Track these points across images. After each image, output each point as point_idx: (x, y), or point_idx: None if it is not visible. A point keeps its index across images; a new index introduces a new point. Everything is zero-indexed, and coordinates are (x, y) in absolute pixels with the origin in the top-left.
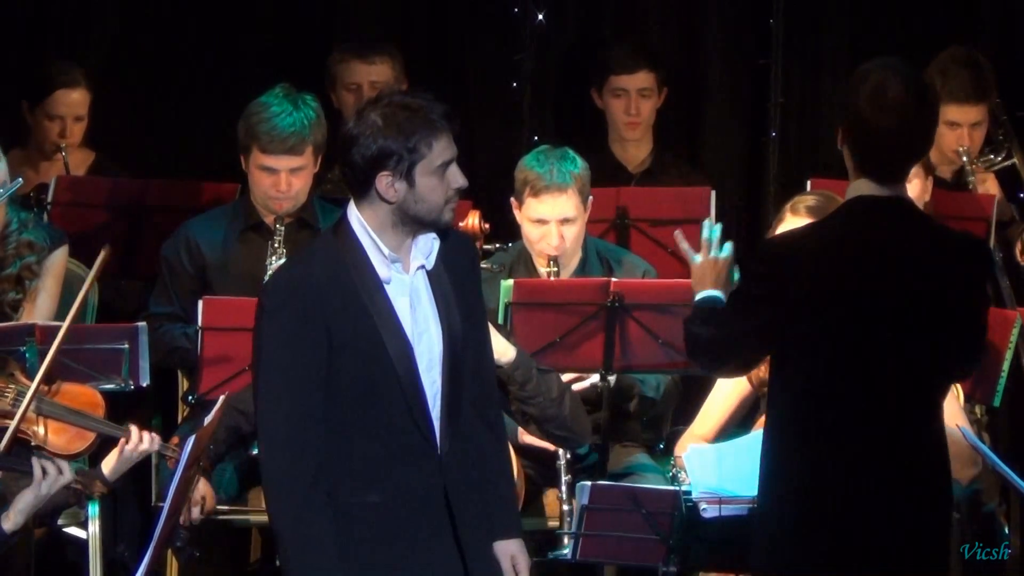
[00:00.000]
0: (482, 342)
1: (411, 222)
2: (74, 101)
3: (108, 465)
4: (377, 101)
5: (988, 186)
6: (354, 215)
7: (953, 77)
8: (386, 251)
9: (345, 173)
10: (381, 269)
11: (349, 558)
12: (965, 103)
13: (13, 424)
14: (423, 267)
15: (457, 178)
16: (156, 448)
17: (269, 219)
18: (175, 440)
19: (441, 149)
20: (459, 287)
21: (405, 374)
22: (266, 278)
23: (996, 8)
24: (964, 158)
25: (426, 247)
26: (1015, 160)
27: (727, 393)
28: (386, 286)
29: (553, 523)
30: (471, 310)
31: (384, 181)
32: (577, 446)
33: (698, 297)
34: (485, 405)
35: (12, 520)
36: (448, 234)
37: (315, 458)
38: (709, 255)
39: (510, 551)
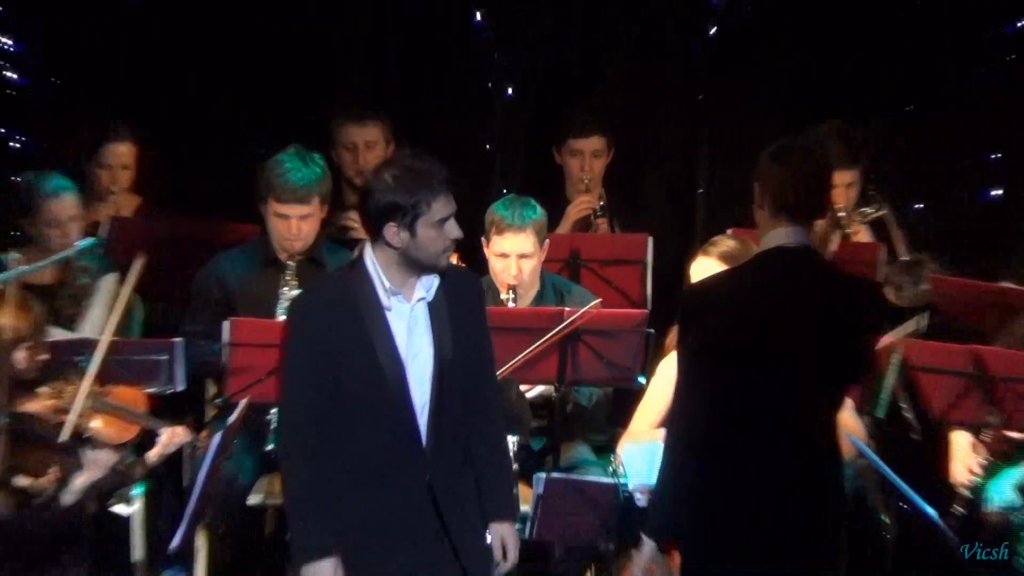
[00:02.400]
0: (483, 359)
1: (413, 265)
2: (121, 152)
3: (151, 454)
4: (391, 162)
5: (860, 236)
6: (368, 253)
7: (831, 146)
8: (388, 284)
9: (361, 219)
10: (383, 298)
11: (345, 535)
12: (840, 168)
13: (70, 417)
14: (424, 299)
15: (453, 231)
16: (189, 440)
17: (283, 256)
18: (204, 434)
19: (440, 207)
20: (460, 317)
21: (395, 386)
22: (279, 304)
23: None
24: (841, 212)
25: (428, 282)
26: (885, 214)
27: (658, 395)
28: (387, 312)
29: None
30: (473, 334)
31: (391, 230)
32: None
33: None
34: (485, 409)
35: (68, 498)
36: (455, 272)
37: (317, 437)
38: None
39: (501, 532)
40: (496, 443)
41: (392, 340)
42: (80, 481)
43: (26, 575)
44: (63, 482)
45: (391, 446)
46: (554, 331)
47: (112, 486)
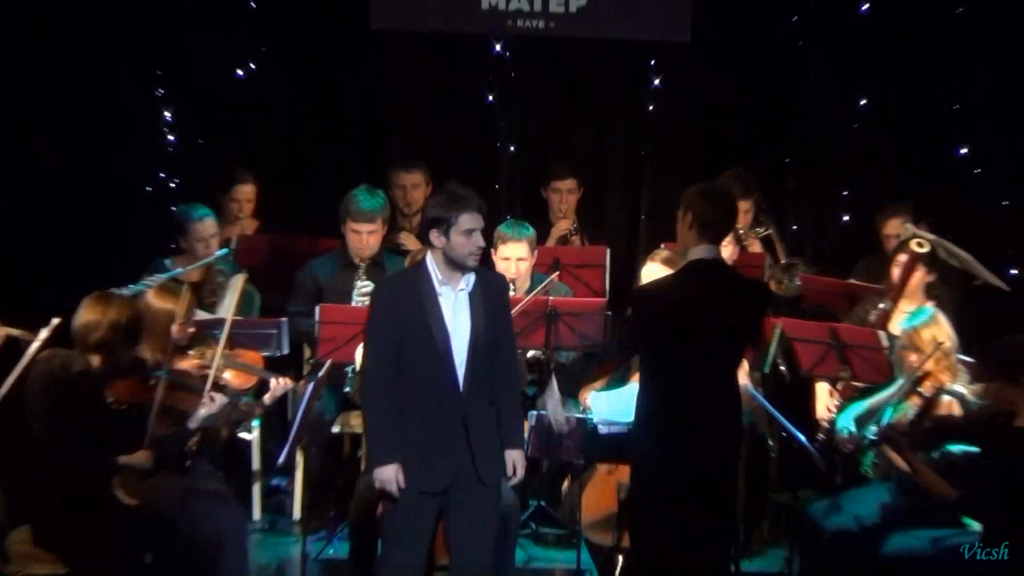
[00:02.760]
0: (507, 334)
1: (451, 263)
2: (245, 191)
3: (265, 397)
4: (442, 189)
5: (754, 247)
6: (428, 257)
7: (733, 184)
8: (439, 278)
9: (421, 228)
10: (437, 287)
11: (404, 450)
12: (739, 199)
13: (211, 372)
14: (464, 290)
15: (478, 240)
16: (291, 387)
17: (357, 261)
18: (302, 383)
19: (467, 220)
20: (491, 305)
21: (442, 348)
22: (354, 294)
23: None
24: (740, 231)
25: (467, 279)
26: (770, 232)
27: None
28: (439, 297)
29: None
30: (499, 317)
31: (434, 235)
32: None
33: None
34: (506, 369)
35: (193, 425)
36: (488, 273)
37: (388, 383)
38: None
39: (512, 456)
40: (513, 391)
41: (442, 317)
42: (201, 413)
43: (178, 474)
44: (193, 413)
45: (438, 390)
46: (527, 298)
47: (238, 419)
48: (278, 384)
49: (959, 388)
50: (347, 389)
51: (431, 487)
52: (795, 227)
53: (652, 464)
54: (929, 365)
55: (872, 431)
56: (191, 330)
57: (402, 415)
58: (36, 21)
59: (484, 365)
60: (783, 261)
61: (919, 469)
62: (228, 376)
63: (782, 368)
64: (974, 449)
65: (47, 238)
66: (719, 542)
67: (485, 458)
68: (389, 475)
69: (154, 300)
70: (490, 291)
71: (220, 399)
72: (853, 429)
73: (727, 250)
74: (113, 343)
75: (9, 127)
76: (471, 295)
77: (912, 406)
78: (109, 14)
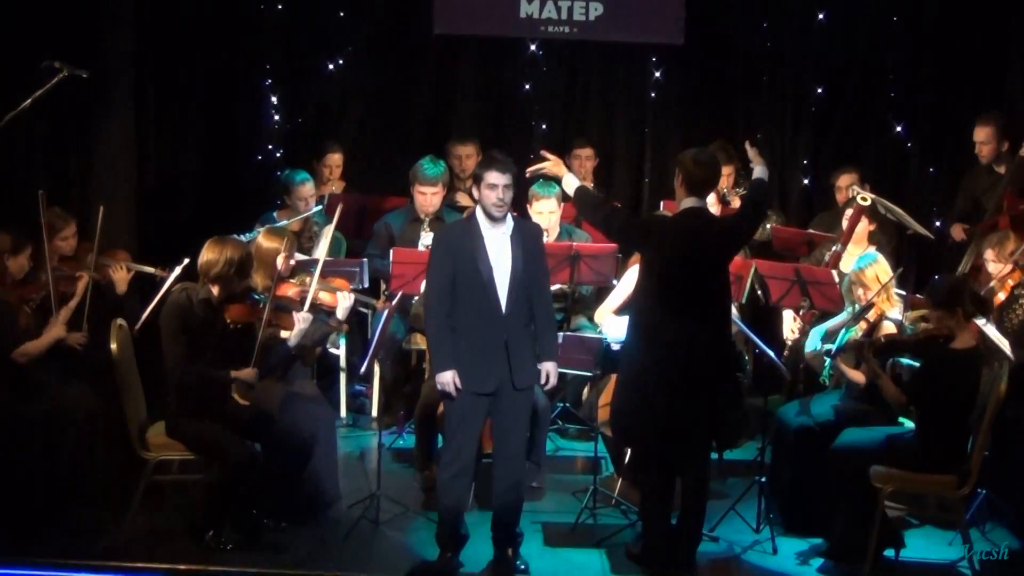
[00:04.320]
0: (542, 271)
1: (485, 211)
2: (334, 159)
3: (338, 312)
4: (485, 154)
5: (735, 203)
6: (477, 207)
7: (719, 152)
8: (484, 224)
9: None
10: (482, 232)
11: (458, 360)
12: (724, 165)
13: (308, 295)
14: (505, 234)
15: (499, 193)
16: (352, 300)
17: (422, 216)
18: (380, 304)
19: (491, 176)
20: (528, 247)
21: (487, 279)
22: (419, 242)
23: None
24: (724, 190)
25: (508, 226)
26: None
27: (619, 291)
28: (484, 240)
29: None
30: (536, 257)
31: (475, 189)
32: None
33: (577, 185)
34: (542, 298)
35: (291, 341)
36: (526, 223)
37: (445, 308)
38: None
39: (547, 367)
40: (548, 315)
41: (487, 254)
42: (296, 330)
43: (281, 381)
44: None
45: (485, 313)
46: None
47: (325, 333)
48: (344, 299)
49: (897, 315)
50: (414, 311)
51: (480, 388)
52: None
53: (641, 370)
54: (873, 297)
55: (829, 347)
56: (292, 262)
57: (455, 332)
58: (181, 24)
59: (523, 294)
60: None
61: (880, 375)
62: (323, 296)
63: (760, 294)
64: (917, 364)
65: (183, 197)
66: (702, 441)
67: (520, 368)
68: (447, 379)
69: (264, 240)
70: (527, 236)
71: (308, 317)
72: (819, 347)
73: (714, 207)
74: (228, 276)
75: (157, 113)
76: (511, 238)
77: (860, 330)
78: (230, 20)
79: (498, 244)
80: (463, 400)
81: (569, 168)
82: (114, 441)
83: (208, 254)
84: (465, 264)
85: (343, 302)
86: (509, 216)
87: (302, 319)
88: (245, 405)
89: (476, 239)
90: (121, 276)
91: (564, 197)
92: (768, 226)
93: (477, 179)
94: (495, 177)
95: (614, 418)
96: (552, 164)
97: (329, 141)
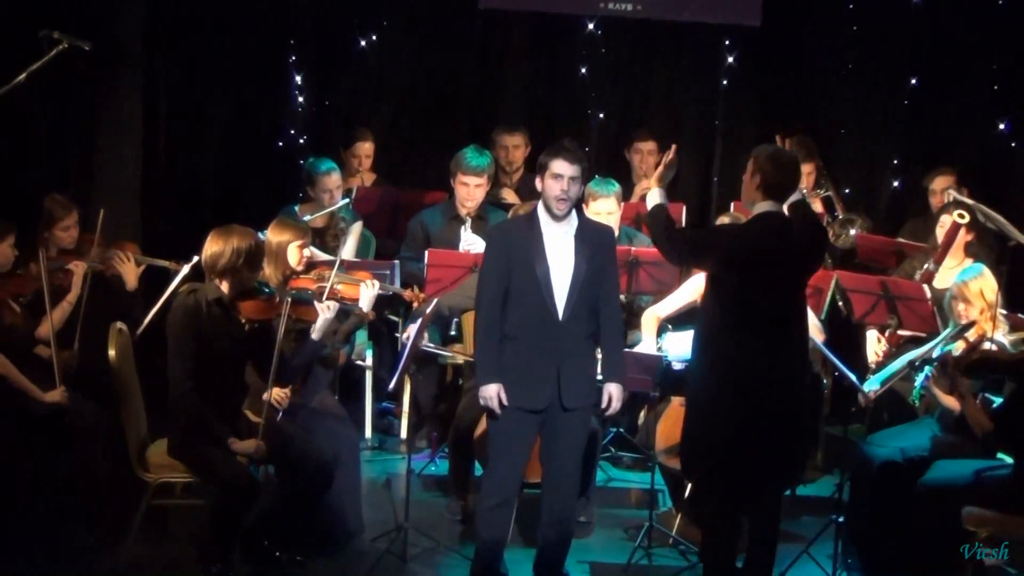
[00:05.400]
0: (612, 279)
1: (546, 205)
2: (365, 148)
3: (362, 303)
4: (554, 143)
5: (816, 206)
6: (539, 203)
7: (796, 149)
8: (545, 219)
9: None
10: (542, 229)
11: (502, 366)
12: (804, 162)
13: (328, 286)
14: (569, 232)
15: (563, 185)
16: (378, 288)
17: (463, 212)
18: (422, 296)
19: (557, 165)
20: (595, 250)
21: (543, 281)
22: (460, 242)
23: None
24: (804, 191)
25: (572, 223)
26: (830, 193)
27: (682, 298)
28: (544, 237)
29: None
30: (605, 263)
31: (538, 180)
32: None
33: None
34: (610, 310)
35: (316, 334)
36: (596, 223)
37: (496, 313)
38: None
39: (610, 389)
40: (616, 329)
41: (544, 253)
42: (321, 321)
43: (300, 395)
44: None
45: (539, 318)
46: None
47: (351, 328)
48: (369, 287)
49: (1001, 338)
50: (452, 333)
51: (529, 405)
52: (847, 191)
53: (712, 393)
54: (975, 315)
55: (927, 370)
56: (307, 255)
57: (506, 339)
58: None
59: (585, 302)
60: (841, 216)
61: (965, 395)
62: (343, 288)
63: (842, 308)
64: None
65: (195, 188)
66: (776, 475)
67: (572, 385)
68: (492, 392)
69: (273, 233)
70: (595, 237)
71: (333, 305)
72: (877, 388)
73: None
74: (237, 268)
75: (168, 93)
76: (576, 237)
77: (957, 351)
78: None
79: (559, 243)
80: (509, 418)
81: (628, 163)
82: (116, 456)
83: (212, 246)
84: (521, 263)
85: (367, 291)
86: (574, 213)
87: (327, 307)
88: (257, 423)
89: (535, 236)
90: (130, 269)
91: (623, 196)
92: (852, 232)
93: (542, 168)
94: (561, 166)
95: (684, 446)
96: (666, 166)
97: (359, 128)
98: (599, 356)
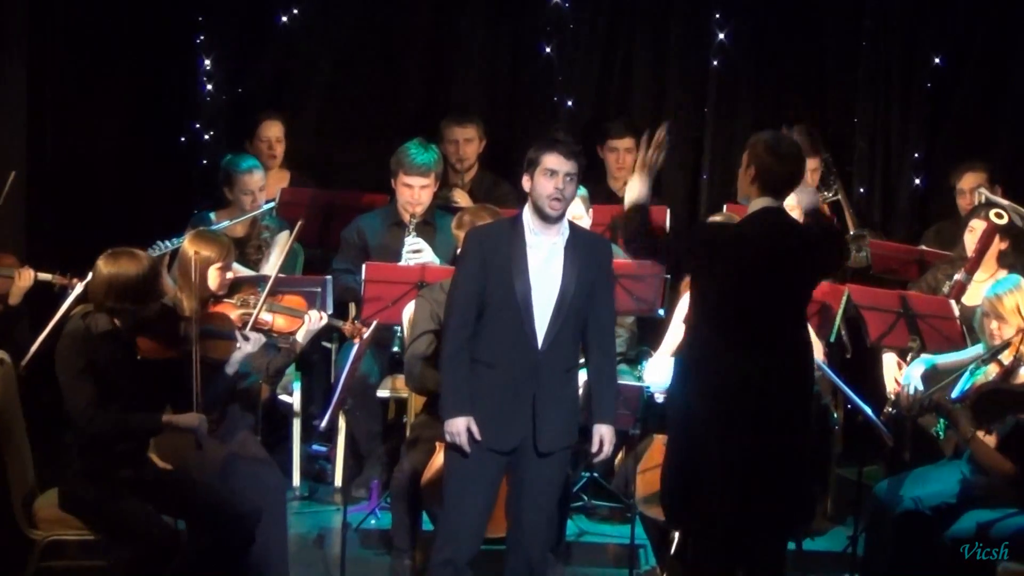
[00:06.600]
0: (607, 301)
1: (537, 210)
2: (272, 131)
3: (299, 333)
4: (545, 135)
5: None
6: (526, 206)
7: (799, 140)
8: (532, 227)
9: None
10: (528, 237)
11: (471, 395)
12: (810, 157)
13: (253, 313)
14: (557, 242)
15: (558, 184)
16: (325, 322)
17: (406, 218)
18: (349, 325)
19: (551, 160)
20: (587, 265)
21: (522, 300)
22: (403, 254)
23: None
24: (818, 190)
25: (562, 233)
26: (839, 197)
27: (679, 325)
28: (528, 248)
29: None
30: (599, 281)
31: (525, 180)
32: None
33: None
34: (601, 336)
35: (229, 368)
36: (592, 235)
37: (468, 332)
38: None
39: (600, 431)
40: (609, 360)
41: (526, 268)
42: (237, 356)
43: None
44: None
45: (515, 343)
46: None
47: (278, 366)
48: (311, 320)
49: None
50: (395, 349)
51: (496, 445)
52: (862, 190)
53: (698, 423)
54: (1010, 334)
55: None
56: (230, 276)
57: (477, 365)
58: None
59: (570, 327)
60: (851, 232)
61: (972, 433)
62: (270, 319)
63: (842, 337)
64: None
65: (89, 188)
66: (776, 519)
67: (548, 426)
68: (460, 427)
69: (190, 245)
70: (588, 250)
71: (256, 337)
72: (920, 387)
73: (794, 212)
74: (118, 306)
75: (57, 76)
76: (565, 250)
77: (989, 375)
78: None
79: (545, 255)
80: (471, 457)
81: (603, 162)
82: None
83: (95, 275)
84: (498, 277)
85: (309, 324)
86: (566, 221)
87: (249, 341)
88: (165, 469)
89: (517, 246)
90: (14, 284)
91: (595, 200)
92: (864, 252)
93: (531, 163)
94: (555, 161)
95: (666, 489)
96: (654, 150)
97: (265, 110)
98: (582, 389)
